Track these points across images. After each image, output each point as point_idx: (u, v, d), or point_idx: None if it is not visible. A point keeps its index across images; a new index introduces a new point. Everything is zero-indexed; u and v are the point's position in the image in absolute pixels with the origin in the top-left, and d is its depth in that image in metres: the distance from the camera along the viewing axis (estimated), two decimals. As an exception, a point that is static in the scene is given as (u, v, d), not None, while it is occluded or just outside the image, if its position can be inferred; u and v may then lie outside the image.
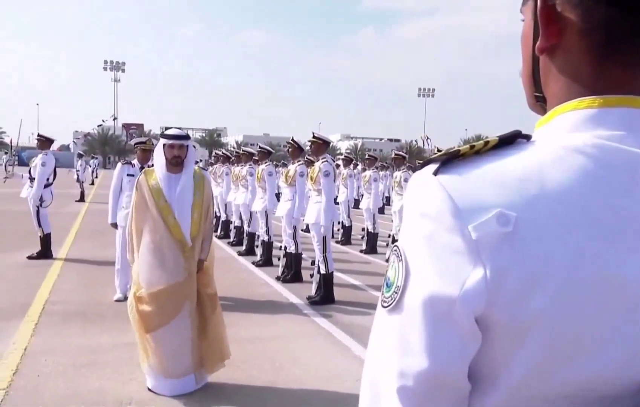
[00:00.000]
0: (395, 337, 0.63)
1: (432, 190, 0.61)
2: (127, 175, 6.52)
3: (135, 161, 6.69)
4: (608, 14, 0.62)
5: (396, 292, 0.63)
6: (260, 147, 9.53)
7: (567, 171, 0.60)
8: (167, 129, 4.38)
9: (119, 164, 6.82)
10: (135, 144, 6.90)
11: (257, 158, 10.46)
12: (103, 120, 77.16)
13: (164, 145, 4.03)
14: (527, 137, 0.67)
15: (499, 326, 0.60)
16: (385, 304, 0.65)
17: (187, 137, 4.17)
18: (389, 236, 10.06)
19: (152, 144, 6.84)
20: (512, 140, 0.65)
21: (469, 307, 0.59)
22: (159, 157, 4.06)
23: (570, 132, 0.64)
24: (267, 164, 9.03)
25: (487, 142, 0.64)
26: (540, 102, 0.73)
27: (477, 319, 0.60)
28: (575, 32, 0.65)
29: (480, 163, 0.62)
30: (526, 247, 0.58)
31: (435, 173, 0.62)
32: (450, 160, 0.63)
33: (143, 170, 4.21)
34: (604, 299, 0.58)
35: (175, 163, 4.01)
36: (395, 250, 0.66)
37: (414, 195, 0.64)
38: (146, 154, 6.65)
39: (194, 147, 4.24)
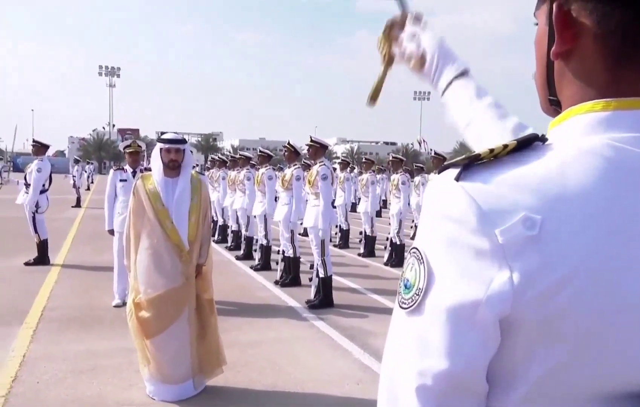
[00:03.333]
0: (415, 338, 0.63)
1: (456, 196, 0.62)
2: (120, 180, 6.56)
3: (127, 166, 6.72)
4: (623, 19, 0.63)
5: (417, 294, 0.63)
6: (260, 151, 9.51)
7: (586, 174, 0.61)
8: (163, 133, 4.40)
9: (112, 171, 6.86)
10: (123, 149, 6.93)
11: (254, 162, 10.44)
12: (96, 128, 77.48)
13: (160, 149, 4.04)
14: (543, 139, 0.67)
15: (523, 326, 0.60)
16: (405, 306, 0.65)
17: (183, 141, 4.18)
18: (387, 239, 10.06)
19: (138, 146, 6.87)
20: (529, 143, 0.66)
21: (494, 309, 0.59)
22: (155, 162, 4.06)
23: (585, 135, 0.65)
24: (267, 167, 9.01)
25: (505, 146, 0.65)
26: (554, 106, 0.73)
27: (500, 320, 0.60)
28: (590, 37, 0.65)
29: (501, 167, 0.63)
30: (551, 249, 0.59)
31: (457, 178, 0.63)
32: (470, 164, 0.63)
33: (140, 175, 4.21)
34: (626, 299, 0.59)
35: (172, 167, 4.02)
36: (415, 252, 0.66)
37: (436, 201, 0.64)
38: (134, 157, 6.70)
39: (191, 151, 4.25)
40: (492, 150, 0.64)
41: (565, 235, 0.59)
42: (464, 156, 0.65)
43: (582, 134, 0.65)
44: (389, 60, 1.28)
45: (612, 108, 0.65)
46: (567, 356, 0.60)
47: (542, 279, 0.59)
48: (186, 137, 4.41)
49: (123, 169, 6.74)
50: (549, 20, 0.69)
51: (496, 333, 0.61)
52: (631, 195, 0.61)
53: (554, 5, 0.67)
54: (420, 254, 0.65)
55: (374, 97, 1.30)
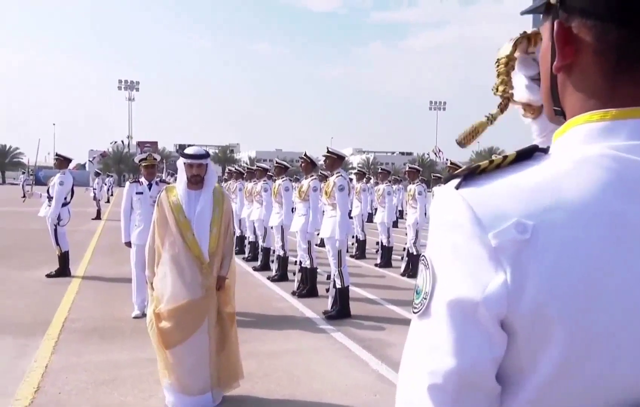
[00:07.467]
0: (425, 340, 0.67)
1: (455, 203, 0.66)
2: (136, 193, 6.65)
3: (142, 179, 6.81)
4: (619, 36, 0.67)
5: (425, 298, 0.68)
6: (277, 162, 9.58)
7: (581, 181, 0.64)
8: (181, 146, 4.50)
9: (127, 183, 6.96)
10: (139, 162, 7.03)
11: (271, 173, 10.52)
12: (116, 141, 78.74)
13: (184, 163, 4.09)
14: (545, 151, 0.71)
15: (522, 329, 0.63)
16: (416, 310, 0.69)
17: (206, 155, 4.19)
18: (404, 249, 10.04)
19: (154, 159, 6.97)
20: (529, 154, 0.69)
21: (492, 310, 0.62)
22: (181, 175, 4.12)
23: (584, 144, 0.68)
24: (284, 178, 9.08)
25: (505, 157, 0.69)
26: (559, 116, 0.77)
27: (501, 321, 0.63)
28: (590, 52, 0.69)
29: (498, 176, 0.67)
30: (543, 253, 0.61)
31: (457, 187, 0.67)
32: (471, 175, 0.68)
33: (165, 186, 4.27)
34: (619, 304, 0.61)
35: (195, 181, 4.06)
36: (423, 259, 0.70)
37: (439, 209, 0.69)
38: (150, 170, 6.79)
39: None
40: (492, 162, 0.68)
41: (559, 241, 0.61)
42: (465, 167, 0.69)
43: (580, 143, 0.68)
44: (505, 104, 1.06)
45: (610, 118, 0.68)
46: (565, 362, 0.62)
47: (536, 282, 0.61)
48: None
49: (139, 181, 6.83)
50: (551, 35, 0.72)
51: (500, 333, 0.64)
52: (629, 204, 0.63)
53: (555, 23, 0.71)
54: (426, 260, 0.69)
55: (465, 141, 1.16)
